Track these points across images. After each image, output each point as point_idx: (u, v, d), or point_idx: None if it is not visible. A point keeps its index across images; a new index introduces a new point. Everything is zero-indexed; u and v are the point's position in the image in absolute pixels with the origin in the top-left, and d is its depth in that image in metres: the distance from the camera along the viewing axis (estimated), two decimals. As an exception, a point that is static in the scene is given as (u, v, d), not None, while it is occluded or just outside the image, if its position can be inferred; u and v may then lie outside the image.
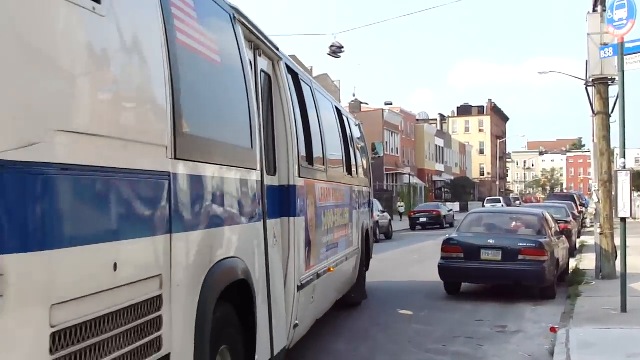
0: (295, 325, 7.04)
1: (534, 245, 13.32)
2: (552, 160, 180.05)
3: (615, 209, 11.69)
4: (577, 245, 23.74)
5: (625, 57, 11.02)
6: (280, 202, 6.74)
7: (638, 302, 11.13)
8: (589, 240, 24.20)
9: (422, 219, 43.66)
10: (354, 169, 11.95)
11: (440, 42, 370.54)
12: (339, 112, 11.50)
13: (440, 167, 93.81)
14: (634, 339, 9.07)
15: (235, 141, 5.17)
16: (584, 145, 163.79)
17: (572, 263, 17.96)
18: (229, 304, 4.81)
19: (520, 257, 13.15)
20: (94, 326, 3.02)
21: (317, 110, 8.96)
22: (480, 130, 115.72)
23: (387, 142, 66.53)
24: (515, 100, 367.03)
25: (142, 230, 3.50)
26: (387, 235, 33.16)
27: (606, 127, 15.40)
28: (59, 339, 2.77)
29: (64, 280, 2.82)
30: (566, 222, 21.10)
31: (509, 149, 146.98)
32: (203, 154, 4.37)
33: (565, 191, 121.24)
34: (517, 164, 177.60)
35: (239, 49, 5.45)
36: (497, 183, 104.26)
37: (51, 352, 2.72)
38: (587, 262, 17.90)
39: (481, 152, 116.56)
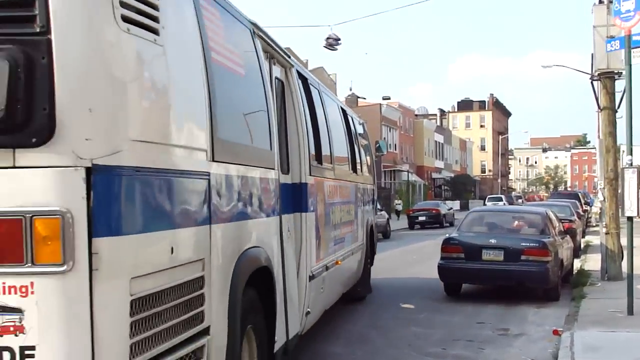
0: (307, 313, 7.83)
1: (537, 245, 13.34)
2: (556, 157, 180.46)
3: (621, 208, 11.73)
4: (582, 245, 23.82)
5: (632, 50, 11.04)
6: (293, 198, 7.55)
7: (645, 304, 11.15)
8: (594, 240, 24.28)
9: (421, 218, 43.73)
10: (358, 167, 12.76)
11: (441, 34, 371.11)
12: (344, 112, 12.31)
13: (440, 164, 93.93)
14: (641, 342, 9.09)
15: (257, 144, 6.04)
16: (589, 142, 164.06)
17: (577, 264, 18.02)
18: (254, 289, 5.60)
19: (522, 257, 13.16)
20: (158, 298, 3.86)
21: (324, 112, 9.83)
22: (481, 126, 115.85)
23: (385, 138, 66.65)
24: (517, 94, 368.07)
25: (190, 220, 4.34)
26: (384, 235, 33.13)
27: (612, 123, 15.42)
28: (135, 305, 3.62)
29: (139, 260, 3.68)
30: (570, 221, 21.17)
31: (511, 145, 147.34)
32: (233, 156, 5.22)
33: (569, 189, 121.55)
34: (520, 161, 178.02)
35: (258, 61, 6.37)
36: (499, 181, 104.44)
37: (130, 315, 3.56)
38: (592, 262, 17.97)
39: (482, 148, 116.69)
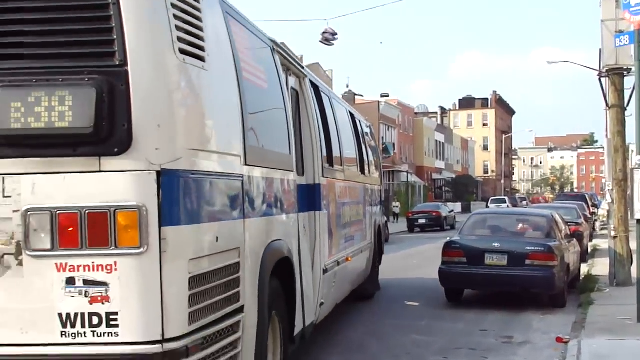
0: (321, 304, 8.83)
1: (542, 249, 13.33)
2: (562, 157, 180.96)
3: (630, 210, 11.74)
4: (589, 250, 23.85)
5: (642, 46, 11.04)
6: (308, 198, 8.55)
7: (655, 311, 11.16)
8: (602, 243, 24.32)
9: (421, 221, 43.82)
10: (366, 169, 13.88)
11: (442, 29, 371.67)
12: (352, 116, 13.40)
13: (440, 164, 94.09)
14: (651, 351, 9.11)
15: (279, 149, 7.16)
16: (596, 141, 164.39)
17: (584, 268, 18.08)
18: (277, 279, 6.65)
19: (527, 262, 13.16)
20: (207, 278, 4.93)
21: (334, 117, 10.96)
22: (484, 125, 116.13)
23: (383, 137, 66.65)
24: (522, 92, 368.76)
25: (229, 215, 5.45)
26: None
27: (621, 122, 15.47)
28: (192, 282, 4.67)
29: (194, 245, 4.78)
30: (577, 224, 21.17)
31: (515, 144, 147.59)
32: (260, 160, 6.29)
33: (576, 191, 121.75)
34: (524, 161, 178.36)
35: (278, 74, 7.53)
36: (502, 182, 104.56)
37: (189, 289, 4.62)
38: (600, 267, 18.03)
39: (485, 148, 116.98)
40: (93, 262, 4.38)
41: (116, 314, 4.36)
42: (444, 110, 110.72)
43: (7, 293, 4.44)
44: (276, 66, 7.55)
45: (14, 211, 4.43)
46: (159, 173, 4.44)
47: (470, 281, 13.84)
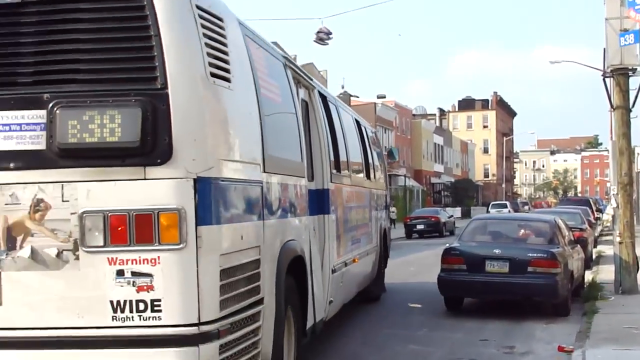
0: (330, 302, 9.74)
1: (545, 255, 13.34)
2: (565, 161, 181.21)
3: (636, 215, 11.75)
4: (594, 256, 23.81)
5: (647, 45, 11.06)
6: (317, 202, 9.48)
7: (662, 320, 11.18)
8: (607, 250, 24.30)
9: (419, 226, 43.96)
10: (372, 174, 14.98)
11: (440, 28, 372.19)
12: (358, 123, 14.47)
13: (439, 167, 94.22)
14: (658, 361, 9.11)
15: (292, 157, 8.15)
16: (600, 144, 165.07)
17: (588, 275, 18.05)
18: (291, 276, 7.54)
19: (529, 269, 13.16)
20: (234, 271, 5.84)
21: (341, 125, 11.95)
22: (484, 127, 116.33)
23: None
24: (523, 93, 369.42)
25: (251, 216, 6.41)
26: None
27: (626, 123, 15.43)
28: (222, 274, 5.59)
29: (223, 242, 5.71)
30: (581, 229, 21.14)
31: (516, 147, 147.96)
32: (277, 167, 7.21)
33: (579, 195, 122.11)
34: (526, 165, 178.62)
35: (290, 88, 8.54)
36: (503, 186, 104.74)
37: (220, 280, 5.53)
38: (605, 274, 17.97)
39: (485, 151, 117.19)
40: (139, 257, 5.27)
41: (159, 300, 5.24)
42: (442, 112, 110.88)
43: (66, 283, 5.33)
44: (288, 80, 8.54)
45: (72, 213, 5.34)
46: (195, 180, 5.34)
47: (470, 289, 13.84)
